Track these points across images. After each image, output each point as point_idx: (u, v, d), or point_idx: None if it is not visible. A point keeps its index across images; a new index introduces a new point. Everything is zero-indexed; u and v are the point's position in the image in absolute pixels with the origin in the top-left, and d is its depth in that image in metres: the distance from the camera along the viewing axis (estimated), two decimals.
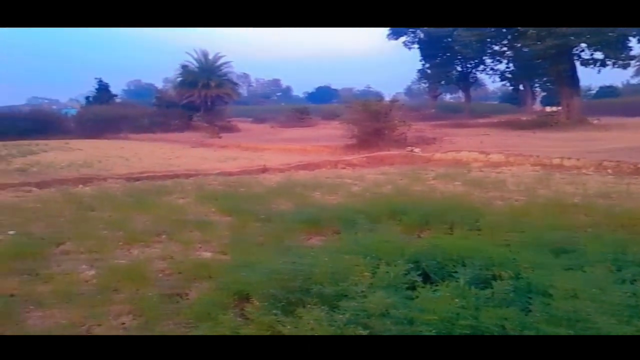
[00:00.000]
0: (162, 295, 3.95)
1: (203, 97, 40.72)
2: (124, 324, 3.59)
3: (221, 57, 43.88)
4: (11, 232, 6.42)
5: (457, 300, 2.88)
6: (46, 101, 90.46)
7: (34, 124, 37.89)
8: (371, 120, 18.09)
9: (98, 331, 3.48)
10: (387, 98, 26.89)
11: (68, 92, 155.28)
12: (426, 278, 3.56)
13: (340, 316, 2.77)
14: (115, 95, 51.34)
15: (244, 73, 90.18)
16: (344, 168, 13.48)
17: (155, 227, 6.33)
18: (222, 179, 11.60)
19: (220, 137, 28.32)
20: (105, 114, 39.23)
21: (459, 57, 38.42)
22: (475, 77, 43.62)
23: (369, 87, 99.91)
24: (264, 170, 13.32)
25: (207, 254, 5.09)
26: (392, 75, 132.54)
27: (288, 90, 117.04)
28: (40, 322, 3.70)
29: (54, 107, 69.15)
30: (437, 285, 3.20)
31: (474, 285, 3.17)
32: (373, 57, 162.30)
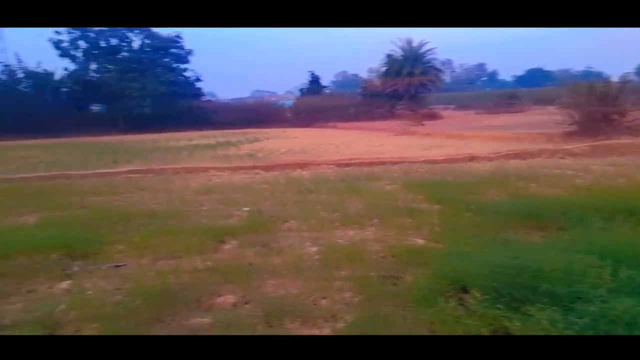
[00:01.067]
0: (379, 277, 4.11)
1: (406, 85, 40.99)
2: (345, 299, 3.84)
3: (425, 44, 43.53)
4: (246, 209, 7.38)
5: None
6: (266, 93, 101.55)
7: (256, 114, 43.32)
8: (596, 104, 15.79)
9: (323, 303, 3.77)
10: (613, 79, 23.23)
11: (285, 84, 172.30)
12: None
13: (577, 320, 2.53)
14: (325, 87, 55.12)
15: (447, 59, 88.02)
16: (563, 158, 12.19)
17: (367, 211, 6.61)
18: (427, 167, 11.57)
19: (422, 125, 28.19)
20: (316, 104, 42.56)
21: None
22: None
23: (590, 68, 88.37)
24: (472, 158, 12.83)
25: (419, 241, 5.12)
26: (619, 53, 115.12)
27: (494, 74, 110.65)
28: (274, 290, 4.13)
29: (273, 98, 77.18)
30: None
31: None
32: (593, 34, 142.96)
